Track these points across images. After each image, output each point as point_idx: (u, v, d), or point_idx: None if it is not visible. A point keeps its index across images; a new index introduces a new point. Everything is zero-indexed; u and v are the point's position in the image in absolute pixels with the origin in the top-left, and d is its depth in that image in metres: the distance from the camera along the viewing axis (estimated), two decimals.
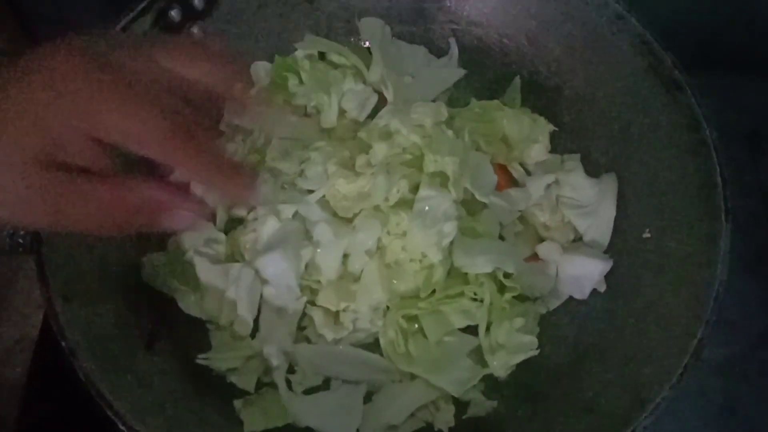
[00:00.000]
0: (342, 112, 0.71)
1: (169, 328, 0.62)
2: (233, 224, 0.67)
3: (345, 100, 0.71)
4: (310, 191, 0.65)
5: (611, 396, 0.58)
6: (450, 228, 0.61)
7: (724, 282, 0.58)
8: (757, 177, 0.87)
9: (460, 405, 0.62)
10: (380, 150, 0.64)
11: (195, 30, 0.71)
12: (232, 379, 0.62)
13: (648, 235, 0.66)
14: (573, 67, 0.72)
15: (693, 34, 0.83)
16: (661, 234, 0.65)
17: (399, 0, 0.76)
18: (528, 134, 0.70)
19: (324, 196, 0.64)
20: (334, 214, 0.64)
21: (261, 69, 0.74)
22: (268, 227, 0.62)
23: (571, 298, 0.67)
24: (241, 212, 0.66)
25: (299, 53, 0.73)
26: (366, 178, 0.63)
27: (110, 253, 0.62)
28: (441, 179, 0.64)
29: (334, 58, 0.73)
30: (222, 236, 0.65)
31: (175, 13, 0.69)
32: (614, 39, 0.69)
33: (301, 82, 0.72)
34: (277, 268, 0.60)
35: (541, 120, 0.72)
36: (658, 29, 0.67)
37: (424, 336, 0.62)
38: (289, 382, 0.62)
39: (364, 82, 0.72)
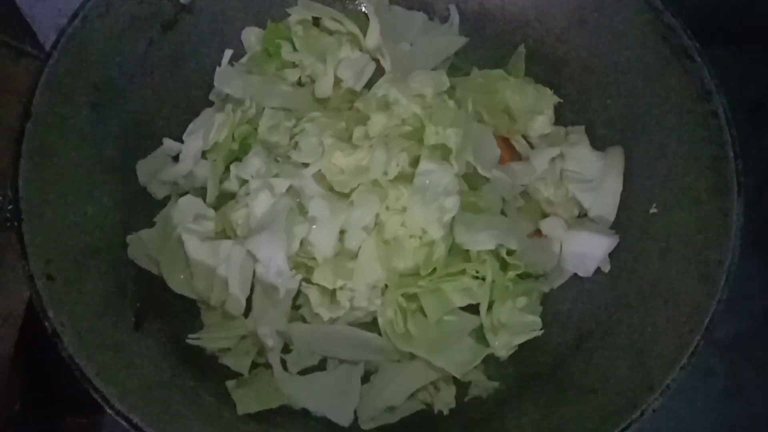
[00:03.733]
0: (338, 82, 0.67)
1: (159, 307, 0.60)
2: (224, 199, 0.64)
3: (341, 69, 0.67)
4: (305, 165, 0.62)
5: (617, 377, 0.57)
6: (451, 203, 0.58)
7: (736, 259, 0.56)
8: (759, 150, 0.85)
9: (461, 386, 0.61)
10: (378, 121, 0.61)
11: None
12: (225, 360, 0.60)
13: (655, 210, 0.64)
14: (579, 35, 0.69)
15: (696, 6, 0.80)
16: (669, 210, 0.63)
17: None
18: (532, 106, 0.67)
19: (320, 170, 0.61)
20: (330, 189, 0.61)
21: (252, 35, 0.70)
22: (261, 203, 0.60)
23: (575, 275, 0.65)
24: (232, 187, 0.63)
25: (292, 19, 0.69)
26: (363, 151, 0.60)
27: (96, 231, 0.60)
28: (442, 152, 0.61)
29: (329, 24, 0.70)
30: (212, 212, 0.62)
31: None
32: (621, 4, 0.66)
33: (294, 49, 0.69)
34: (269, 249, 0.58)
35: (546, 91, 0.69)
36: None
37: (424, 315, 0.60)
38: (284, 363, 0.60)
39: (361, 49, 0.69)
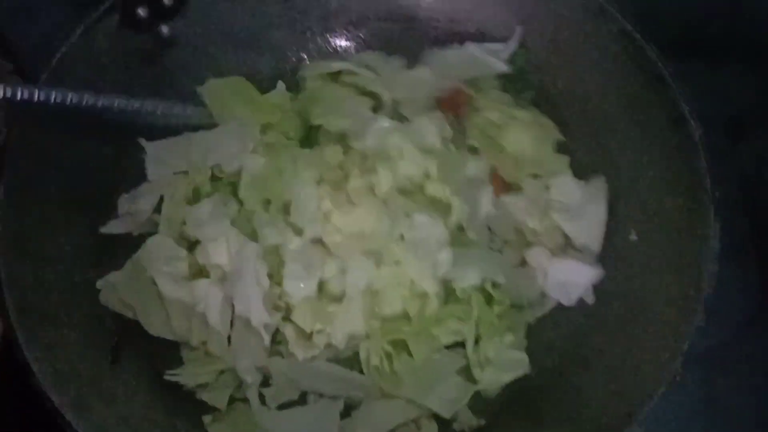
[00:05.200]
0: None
1: (137, 341, 0.59)
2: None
3: None
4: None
5: (597, 405, 0.56)
6: (444, 257, 0.58)
7: (713, 285, 0.56)
8: (736, 164, 0.85)
9: (443, 421, 0.59)
10: (385, 179, 0.60)
11: (164, 29, 0.68)
12: (204, 396, 0.58)
13: (635, 237, 0.64)
14: (557, 63, 0.70)
15: (673, 21, 0.81)
16: (648, 236, 0.63)
17: None
18: (533, 151, 0.67)
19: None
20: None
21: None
22: (219, 250, 0.59)
23: (558, 305, 0.64)
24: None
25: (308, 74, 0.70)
26: (362, 215, 0.59)
27: (73, 264, 0.60)
28: (435, 204, 0.61)
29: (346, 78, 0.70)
30: (184, 252, 0.61)
31: (142, 11, 0.66)
32: (597, 34, 0.67)
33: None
34: (246, 292, 0.57)
35: (549, 125, 0.68)
36: (638, 17, 0.65)
37: (410, 355, 0.59)
38: (262, 397, 0.59)
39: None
